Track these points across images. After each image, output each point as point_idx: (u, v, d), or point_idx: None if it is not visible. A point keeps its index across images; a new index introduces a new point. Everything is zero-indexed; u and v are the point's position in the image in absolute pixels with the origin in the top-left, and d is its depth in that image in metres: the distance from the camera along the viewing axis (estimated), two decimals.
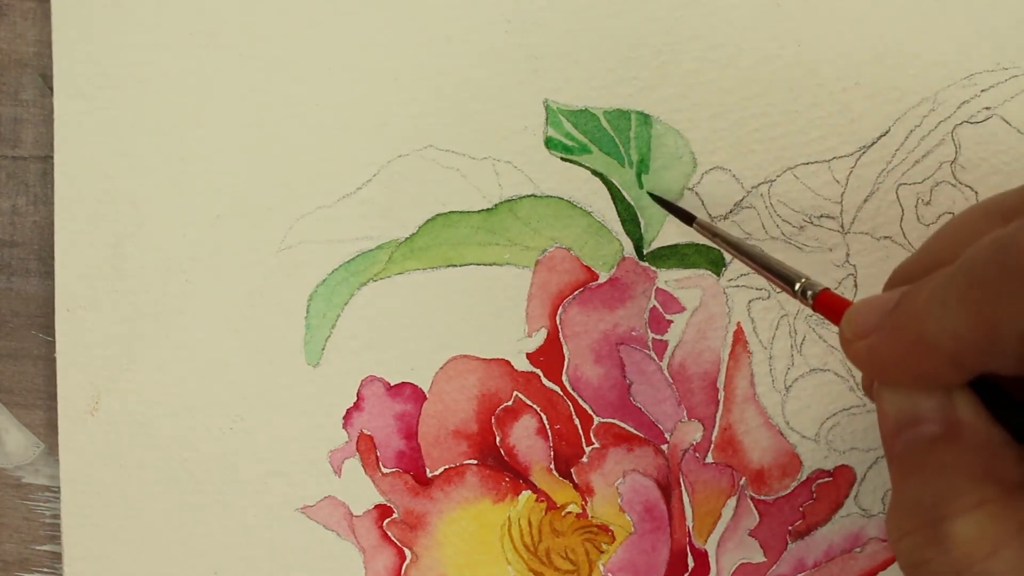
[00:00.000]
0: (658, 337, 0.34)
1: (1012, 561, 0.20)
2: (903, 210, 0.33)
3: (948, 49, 0.32)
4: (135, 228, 0.35)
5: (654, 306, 0.34)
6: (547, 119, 0.33)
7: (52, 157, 0.35)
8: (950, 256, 0.22)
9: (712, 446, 0.34)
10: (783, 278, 0.28)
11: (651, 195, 0.33)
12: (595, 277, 0.34)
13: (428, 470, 0.35)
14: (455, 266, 0.34)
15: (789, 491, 0.34)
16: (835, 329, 0.33)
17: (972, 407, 0.22)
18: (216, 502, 0.36)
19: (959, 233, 0.24)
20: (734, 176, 0.33)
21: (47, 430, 0.37)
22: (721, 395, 0.34)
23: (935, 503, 0.21)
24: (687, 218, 0.32)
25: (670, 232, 0.33)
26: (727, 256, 0.33)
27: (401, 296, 0.34)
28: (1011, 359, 0.20)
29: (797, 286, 0.27)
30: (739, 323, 0.34)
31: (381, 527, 0.35)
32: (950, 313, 0.21)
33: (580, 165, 0.33)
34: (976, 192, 0.33)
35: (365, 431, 0.35)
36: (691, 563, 0.35)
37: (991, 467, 0.21)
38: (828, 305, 0.26)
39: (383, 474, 0.35)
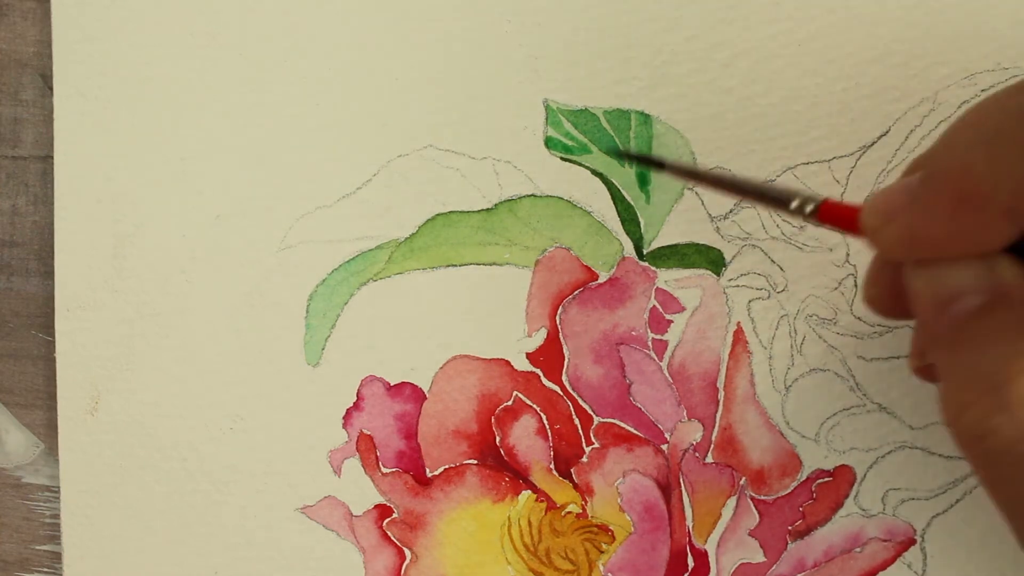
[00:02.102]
0: (658, 337, 0.34)
1: None
2: None
3: (948, 49, 0.32)
4: (135, 228, 0.35)
5: (654, 306, 0.34)
6: (547, 119, 0.33)
7: (52, 157, 0.35)
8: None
9: (712, 446, 0.34)
10: (777, 200, 0.25)
11: (619, 152, 0.32)
12: (595, 277, 0.34)
13: (428, 470, 0.35)
14: (455, 266, 0.34)
15: (789, 491, 0.34)
16: (835, 329, 0.33)
17: (1014, 269, 0.21)
18: (216, 502, 0.36)
19: (989, 109, 0.22)
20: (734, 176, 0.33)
21: (47, 430, 0.37)
22: (721, 395, 0.34)
23: (994, 369, 0.20)
24: (657, 165, 0.30)
25: (670, 232, 0.33)
26: (727, 256, 0.33)
27: (401, 296, 0.34)
28: None
29: (793, 204, 0.25)
30: (739, 323, 0.34)
31: (381, 527, 0.35)
32: (1005, 163, 0.19)
33: (580, 165, 0.33)
34: None
35: (365, 431, 0.35)
36: (691, 563, 0.35)
37: None
38: (836, 214, 0.24)
39: (383, 474, 0.35)
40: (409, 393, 0.35)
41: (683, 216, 0.33)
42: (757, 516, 0.34)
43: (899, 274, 0.23)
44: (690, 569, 0.35)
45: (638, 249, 0.34)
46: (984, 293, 0.21)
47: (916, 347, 0.26)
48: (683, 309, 0.34)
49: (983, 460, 0.21)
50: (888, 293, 0.25)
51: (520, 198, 0.34)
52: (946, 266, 0.22)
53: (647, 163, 0.32)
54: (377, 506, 0.35)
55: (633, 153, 0.32)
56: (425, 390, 0.35)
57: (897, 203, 0.22)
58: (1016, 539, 0.21)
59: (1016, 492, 0.20)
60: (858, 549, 0.34)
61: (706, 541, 0.34)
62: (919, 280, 0.22)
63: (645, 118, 0.33)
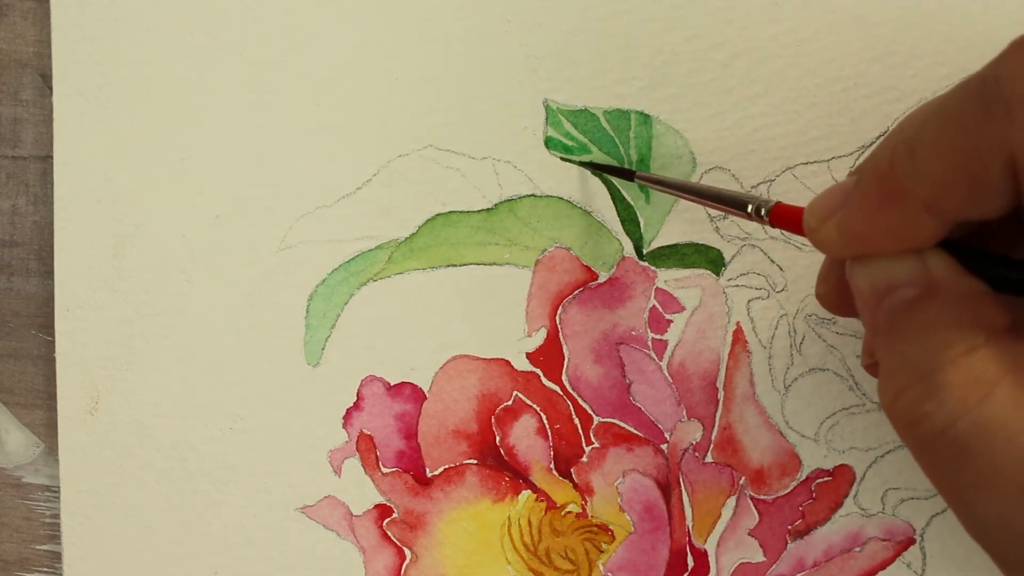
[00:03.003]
0: (658, 337, 0.34)
1: (1006, 400, 0.20)
2: None
3: (947, 49, 0.32)
4: (135, 228, 0.35)
5: (654, 306, 0.34)
6: (547, 119, 0.33)
7: (52, 157, 0.35)
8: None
9: (712, 446, 0.34)
10: (735, 204, 0.27)
11: (582, 163, 0.33)
12: (595, 277, 0.34)
13: (428, 470, 0.35)
14: (455, 266, 0.34)
15: (789, 490, 0.34)
16: (834, 329, 0.33)
17: (945, 263, 0.22)
18: (216, 502, 0.36)
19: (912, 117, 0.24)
20: (734, 176, 0.33)
21: (47, 430, 0.37)
22: (721, 395, 0.34)
23: (925, 358, 0.21)
24: (628, 175, 0.32)
25: (670, 232, 0.33)
26: (727, 255, 0.33)
27: (401, 296, 0.34)
28: (996, 193, 0.20)
29: (750, 208, 0.26)
30: (738, 323, 0.34)
31: (381, 527, 0.35)
32: (924, 160, 0.21)
33: (580, 164, 0.33)
34: None
35: (365, 431, 0.35)
36: (691, 563, 0.35)
37: (975, 316, 0.21)
38: (785, 216, 0.26)
39: (383, 474, 0.35)
40: (409, 393, 0.35)
41: (683, 216, 0.33)
42: (757, 516, 0.34)
43: (844, 272, 0.24)
44: (690, 569, 0.35)
45: (638, 249, 0.34)
46: (917, 286, 0.22)
47: (867, 345, 0.27)
48: (683, 309, 0.34)
49: (918, 445, 0.22)
50: (836, 290, 0.26)
51: (520, 198, 0.34)
52: (882, 261, 0.23)
53: (617, 174, 0.33)
54: (377, 506, 0.35)
55: (600, 164, 0.33)
56: (425, 390, 0.35)
57: (833, 203, 0.23)
58: (960, 522, 0.22)
59: (949, 476, 0.21)
60: (858, 549, 0.34)
61: (706, 541, 0.34)
62: (859, 275, 0.23)
63: (645, 118, 0.33)
